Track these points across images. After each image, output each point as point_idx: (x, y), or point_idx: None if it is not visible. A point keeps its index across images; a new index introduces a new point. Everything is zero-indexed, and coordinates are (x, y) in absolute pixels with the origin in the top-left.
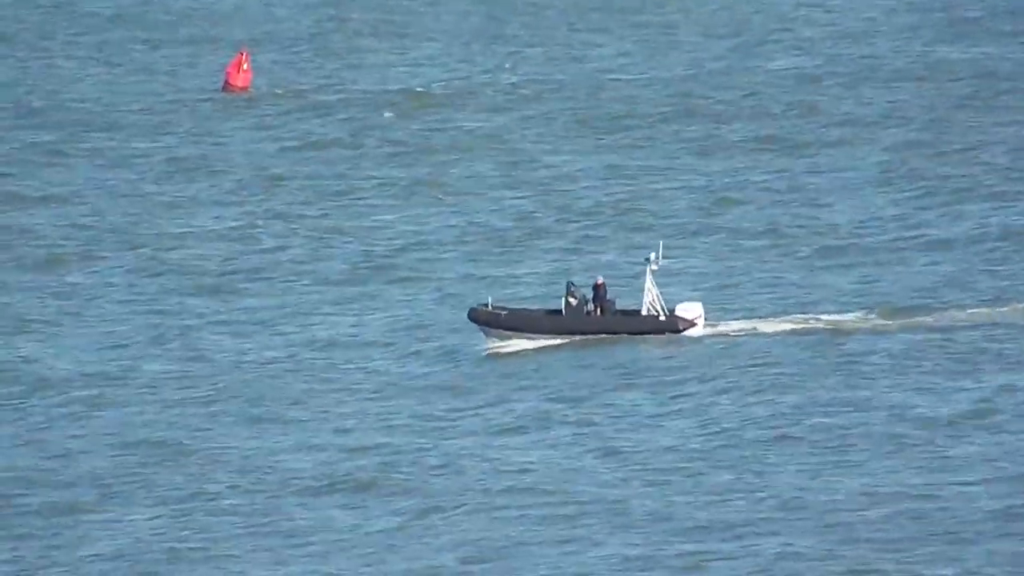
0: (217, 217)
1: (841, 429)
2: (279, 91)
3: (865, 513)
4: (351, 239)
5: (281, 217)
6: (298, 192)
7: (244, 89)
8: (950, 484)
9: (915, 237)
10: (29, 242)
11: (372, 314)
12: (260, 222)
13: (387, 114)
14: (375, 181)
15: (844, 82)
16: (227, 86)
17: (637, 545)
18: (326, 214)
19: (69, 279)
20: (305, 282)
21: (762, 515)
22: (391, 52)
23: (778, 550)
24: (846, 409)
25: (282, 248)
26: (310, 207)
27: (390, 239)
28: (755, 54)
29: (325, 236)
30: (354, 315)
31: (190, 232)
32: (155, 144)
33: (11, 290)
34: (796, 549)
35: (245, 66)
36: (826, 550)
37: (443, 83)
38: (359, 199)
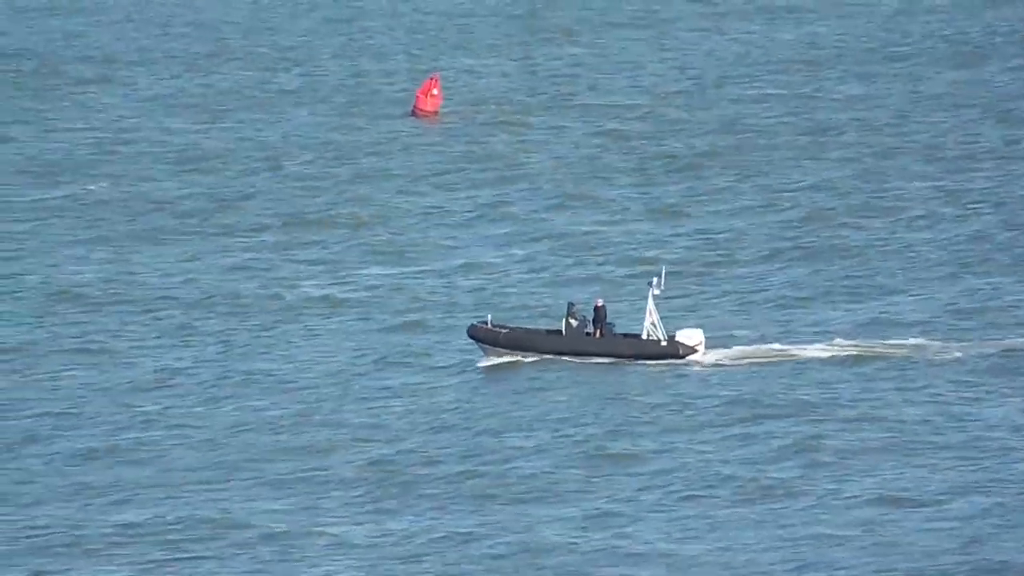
0: (396, 235)
1: (848, 455)
2: (468, 116)
3: (877, 540)
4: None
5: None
6: (463, 214)
7: (433, 114)
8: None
9: (918, 266)
10: (232, 268)
11: (372, 327)
12: (420, 246)
13: (565, 141)
14: (553, 202)
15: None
16: (416, 110)
17: None
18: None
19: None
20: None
21: (764, 542)
22: (574, 83)
23: None
24: (850, 437)
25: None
26: (459, 228)
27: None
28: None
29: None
30: (355, 328)
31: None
32: (342, 166)
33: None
34: None
35: (435, 91)
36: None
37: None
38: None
